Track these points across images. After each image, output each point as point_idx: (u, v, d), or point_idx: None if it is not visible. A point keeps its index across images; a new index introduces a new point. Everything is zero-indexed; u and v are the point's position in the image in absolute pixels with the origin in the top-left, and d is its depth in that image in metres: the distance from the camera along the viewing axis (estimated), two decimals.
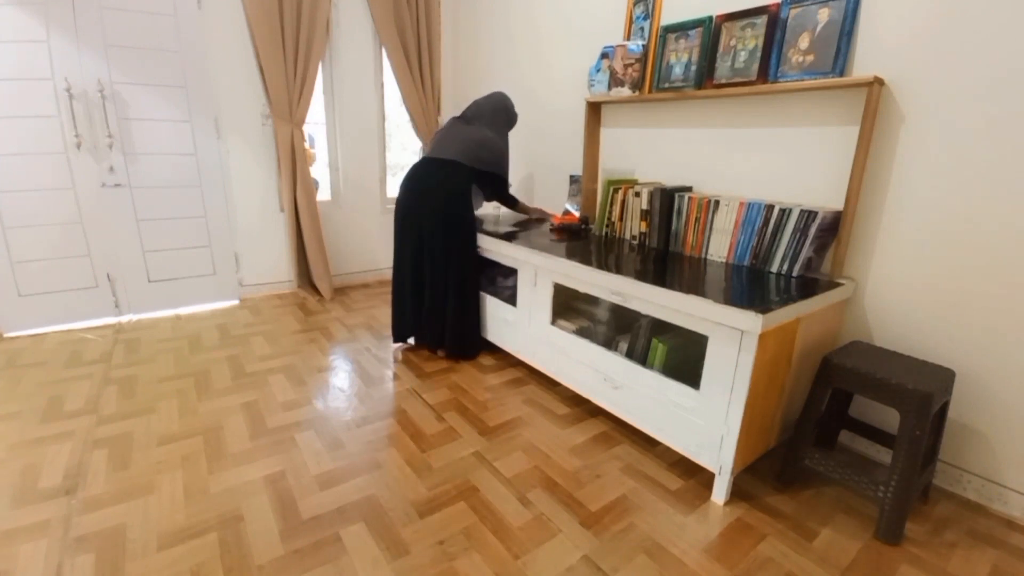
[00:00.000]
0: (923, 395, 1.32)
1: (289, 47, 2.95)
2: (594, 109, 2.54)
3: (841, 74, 1.67)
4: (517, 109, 2.69)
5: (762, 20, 1.84)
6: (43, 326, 2.67)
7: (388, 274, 3.88)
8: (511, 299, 2.32)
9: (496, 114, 2.54)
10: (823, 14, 1.68)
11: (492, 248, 2.35)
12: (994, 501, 1.55)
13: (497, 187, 2.60)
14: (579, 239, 2.33)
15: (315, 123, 3.59)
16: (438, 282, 2.37)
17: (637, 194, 2.21)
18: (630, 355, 1.86)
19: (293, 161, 3.11)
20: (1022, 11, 1.36)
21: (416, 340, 2.58)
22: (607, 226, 2.39)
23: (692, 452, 1.60)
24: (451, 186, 2.31)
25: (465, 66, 3.74)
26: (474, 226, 2.43)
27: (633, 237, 2.27)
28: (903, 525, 1.40)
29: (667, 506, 1.52)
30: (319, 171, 3.67)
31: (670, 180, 2.33)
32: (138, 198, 2.79)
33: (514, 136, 3.10)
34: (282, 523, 1.40)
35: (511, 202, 2.73)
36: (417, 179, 2.36)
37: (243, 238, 3.19)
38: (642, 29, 2.32)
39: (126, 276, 2.85)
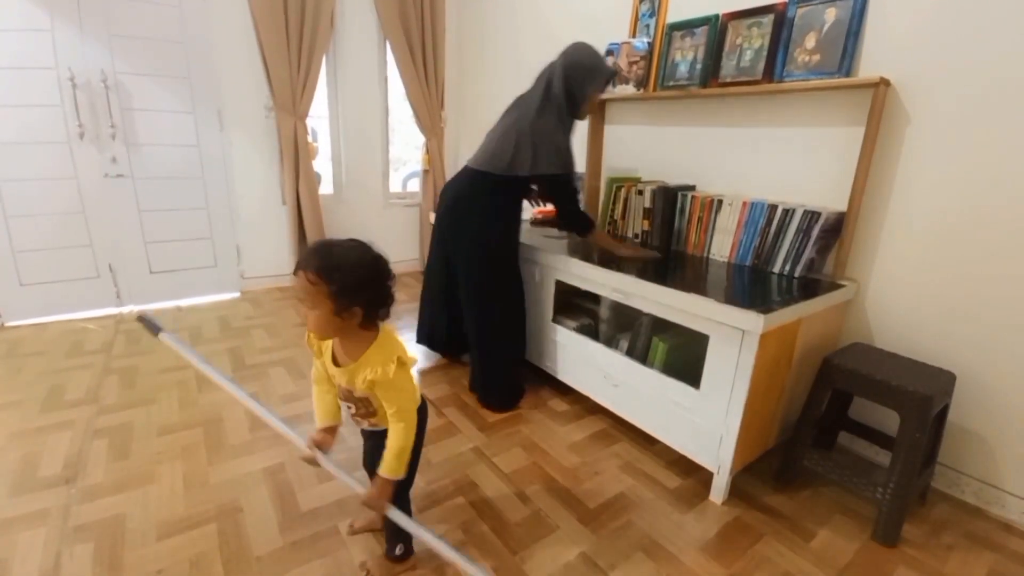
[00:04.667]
0: (923, 398, 1.32)
1: (293, 40, 2.94)
2: (598, 106, 2.53)
3: (847, 74, 1.66)
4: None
5: (768, 19, 1.83)
6: (44, 315, 2.68)
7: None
8: None
9: (552, 85, 1.78)
10: (830, 14, 1.67)
11: None
12: (992, 504, 1.56)
13: (557, 194, 1.87)
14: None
15: (318, 116, 3.58)
16: (465, 314, 2.04)
17: (640, 192, 2.21)
18: (631, 353, 1.86)
19: (296, 154, 3.11)
20: None
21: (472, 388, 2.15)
22: (609, 224, 2.38)
23: (691, 451, 1.61)
24: (468, 204, 1.90)
25: (469, 61, 3.72)
26: (501, 255, 1.94)
27: (635, 235, 2.26)
28: (900, 527, 1.40)
29: (665, 504, 1.52)
30: (321, 165, 3.66)
31: (673, 179, 2.32)
32: (140, 189, 2.79)
33: None
34: (281, 515, 1.40)
35: (580, 222, 1.91)
36: (445, 190, 2.02)
37: (245, 230, 3.19)
38: (648, 26, 2.30)
39: (127, 267, 2.85)
